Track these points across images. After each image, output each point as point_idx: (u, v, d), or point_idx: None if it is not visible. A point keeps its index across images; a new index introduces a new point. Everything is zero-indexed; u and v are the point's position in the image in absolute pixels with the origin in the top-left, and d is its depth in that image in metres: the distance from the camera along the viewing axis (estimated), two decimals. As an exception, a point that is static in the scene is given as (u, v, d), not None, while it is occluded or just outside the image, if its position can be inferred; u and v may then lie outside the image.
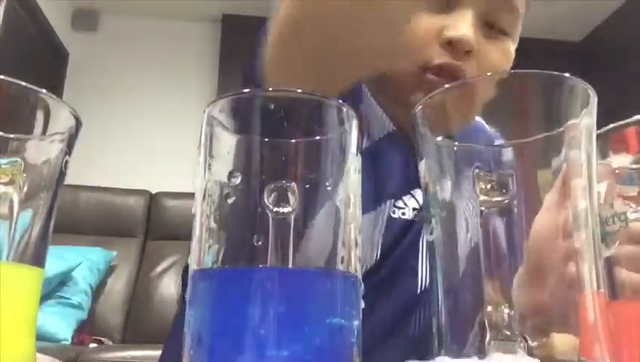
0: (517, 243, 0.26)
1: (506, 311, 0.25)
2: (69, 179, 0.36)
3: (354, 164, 0.28)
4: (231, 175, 0.27)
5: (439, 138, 0.28)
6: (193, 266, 0.27)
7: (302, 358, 0.24)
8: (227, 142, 0.29)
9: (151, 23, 3.20)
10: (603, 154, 0.34)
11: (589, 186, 0.26)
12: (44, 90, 0.31)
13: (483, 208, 0.26)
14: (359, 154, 0.29)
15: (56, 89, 2.97)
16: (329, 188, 0.27)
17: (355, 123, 0.29)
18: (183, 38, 3.21)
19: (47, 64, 2.98)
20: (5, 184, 0.30)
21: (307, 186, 0.27)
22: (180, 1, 3.04)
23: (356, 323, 0.26)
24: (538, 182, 0.26)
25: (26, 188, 0.30)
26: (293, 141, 0.28)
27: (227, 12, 3.13)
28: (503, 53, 0.63)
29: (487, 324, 0.25)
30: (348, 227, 0.28)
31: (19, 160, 0.30)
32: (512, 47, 0.64)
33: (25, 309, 0.30)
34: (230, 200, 0.27)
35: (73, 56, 3.16)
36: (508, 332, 0.25)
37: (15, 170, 0.30)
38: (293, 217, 0.27)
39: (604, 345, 0.25)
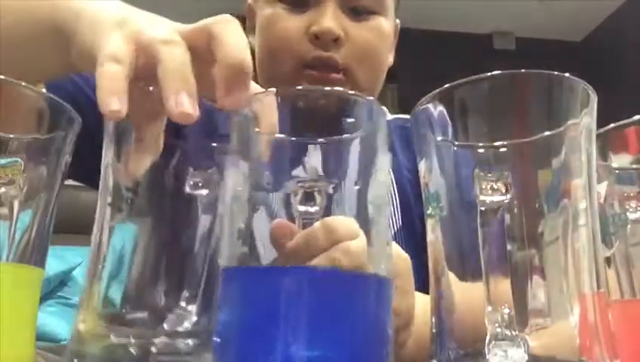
0: (517, 244, 0.26)
1: (506, 311, 0.25)
2: (69, 180, 0.36)
3: (384, 162, 0.28)
4: (259, 175, 0.27)
5: (440, 138, 0.28)
6: (223, 266, 0.27)
7: (333, 359, 0.24)
8: (255, 143, 0.29)
9: (151, 23, 3.20)
10: (603, 155, 0.34)
11: (589, 186, 0.26)
12: (43, 91, 0.31)
13: (483, 208, 0.26)
14: (389, 153, 0.29)
15: (57, 89, 2.97)
16: (357, 188, 0.27)
17: (384, 120, 0.28)
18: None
19: (48, 64, 2.98)
20: (5, 184, 0.30)
21: (336, 186, 0.27)
22: (180, 1, 3.04)
23: (388, 323, 0.26)
24: (538, 182, 0.26)
25: (25, 188, 0.30)
26: (321, 140, 0.27)
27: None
28: (373, 31, 0.67)
29: (487, 324, 0.25)
30: (377, 227, 0.27)
31: (19, 160, 0.30)
32: (383, 22, 0.68)
33: (25, 309, 0.30)
34: (258, 200, 0.27)
35: (73, 56, 3.16)
36: (508, 332, 0.25)
37: (15, 170, 0.30)
38: (320, 217, 0.26)
39: (604, 345, 0.24)
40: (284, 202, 0.27)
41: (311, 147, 0.27)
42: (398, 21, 0.74)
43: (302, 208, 0.26)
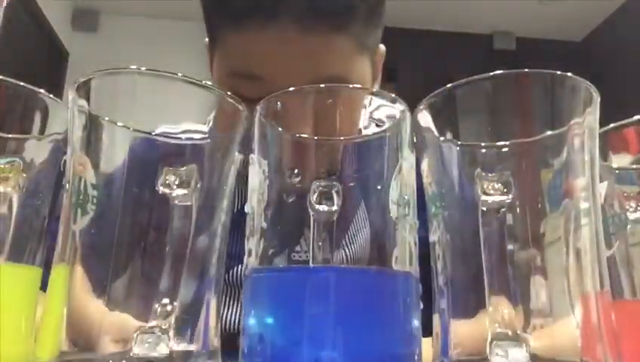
0: (519, 244, 0.26)
1: (507, 311, 0.25)
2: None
3: (407, 161, 0.28)
4: (282, 174, 0.27)
5: (441, 138, 0.28)
6: (250, 265, 0.27)
7: (363, 357, 0.24)
8: (278, 141, 0.28)
9: (151, 22, 3.20)
10: (603, 155, 0.34)
11: (592, 186, 0.26)
12: (42, 90, 0.31)
13: (484, 208, 0.26)
14: (414, 151, 0.29)
15: (56, 89, 2.97)
16: (379, 187, 0.27)
17: (409, 118, 0.28)
18: (183, 38, 3.20)
19: (47, 64, 2.98)
20: (4, 184, 0.30)
21: (359, 185, 0.27)
22: (180, 1, 3.04)
23: (416, 322, 0.26)
24: (540, 181, 0.26)
25: (24, 188, 0.30)
26: (342, 139, 0.27)
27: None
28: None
29: (488, 324, 0.25)
30: (401, 226, 0.27)
31: (18, 160, 0.30)
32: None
33: (24, 308, 0.30)
34: (280, 199, 0.27)
35: (73, 56, 3.16)
36: (509, 333, 0.25)
37: (14, 169, 0.30)
38: (342, 216, 0.26)
39: (607, 346, 0.24)
40: (306, 201, 0.26)
41: (335, 146, 0.27)
42: (382, 47, 0.65)
43: (323, 208, 0.26)
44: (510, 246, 0.26)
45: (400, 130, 0.28)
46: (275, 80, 0.51)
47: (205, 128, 0.30)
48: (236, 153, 0.30)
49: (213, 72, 0.59)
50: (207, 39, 0.61)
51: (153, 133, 0.29)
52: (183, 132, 0.30)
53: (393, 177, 0.27)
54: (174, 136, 0.29)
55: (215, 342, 0.28)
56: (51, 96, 0.31)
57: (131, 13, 3.21)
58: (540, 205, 0.26)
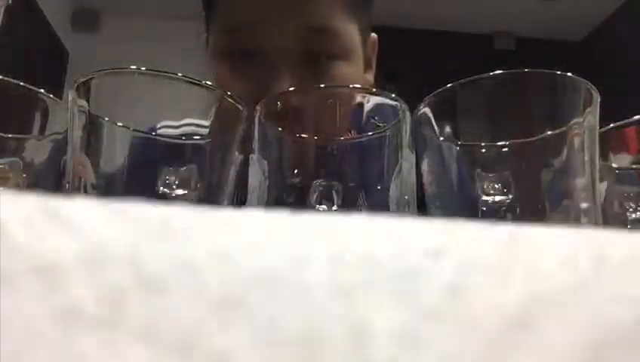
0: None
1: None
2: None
3: (407, 161, 0.28)
4: (282, 174, 0.27)
5: (441, 138, 0.28)
6: None
7: None
8: (278, 141, 0.28)
9: (151, 22, 3.20)
10: (603, 155, 0.34)
11: (592, 186, 0.26)
12: (42, 90, 0.31)
13: (484, 208, 0.26)
14: (414, 151, 0.29)
15: (56, 89, 2.97)
16: (379, 187, 0.27)
17: (409, 118, 0.28)
18: (183, 38, 3.20)
19: (47, 64, 2.98)
20: (4, 184, 0.30)
21: (359, 185, 0.27)
22: (180, 1, 3.05)
23: None
24: (540, 182, 0.26)
25: (24, 189, 0.30)
26: (342, 139, 0.27)
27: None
28: (336, 79, 0.57)
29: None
30: None
31: (18, 160, 0.30)
32: (346, 67, 0.58)
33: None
34: (280, 200, 0.27)
35: (73, 56, 3.16)
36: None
37: (14, 169, 0.30)
38: None
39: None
40: (306, 202, 0.26)
41: (333, 146, 0.27)
42: (374, 36, 0.66)
43: (320, 207, 0.26)
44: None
45: (400, 130, 0.28)
46: (263, 29, 0.56)
47: (207, 123, 0.31)
48: (236, 153, 0.30)
49: (208, 51, 0.61)
50: (204, 34, 0.64)
51: (154, 131, 0.29)
52: (185, 125, 0.30)
53: (393, 177, 0.27)
54: (174, 136, 0.29)
55: None
56: (51, 96, 0.31)
57: (132, 14, 3.20)
58: (539, 205, 0.26)
